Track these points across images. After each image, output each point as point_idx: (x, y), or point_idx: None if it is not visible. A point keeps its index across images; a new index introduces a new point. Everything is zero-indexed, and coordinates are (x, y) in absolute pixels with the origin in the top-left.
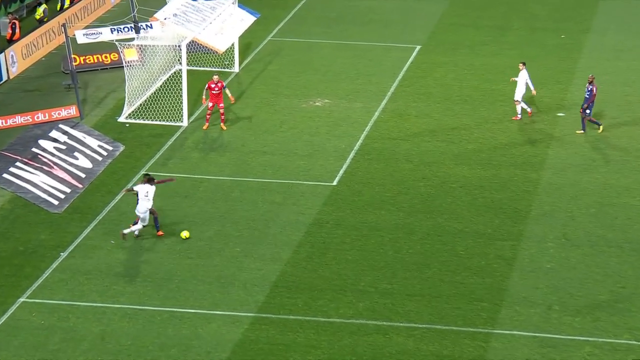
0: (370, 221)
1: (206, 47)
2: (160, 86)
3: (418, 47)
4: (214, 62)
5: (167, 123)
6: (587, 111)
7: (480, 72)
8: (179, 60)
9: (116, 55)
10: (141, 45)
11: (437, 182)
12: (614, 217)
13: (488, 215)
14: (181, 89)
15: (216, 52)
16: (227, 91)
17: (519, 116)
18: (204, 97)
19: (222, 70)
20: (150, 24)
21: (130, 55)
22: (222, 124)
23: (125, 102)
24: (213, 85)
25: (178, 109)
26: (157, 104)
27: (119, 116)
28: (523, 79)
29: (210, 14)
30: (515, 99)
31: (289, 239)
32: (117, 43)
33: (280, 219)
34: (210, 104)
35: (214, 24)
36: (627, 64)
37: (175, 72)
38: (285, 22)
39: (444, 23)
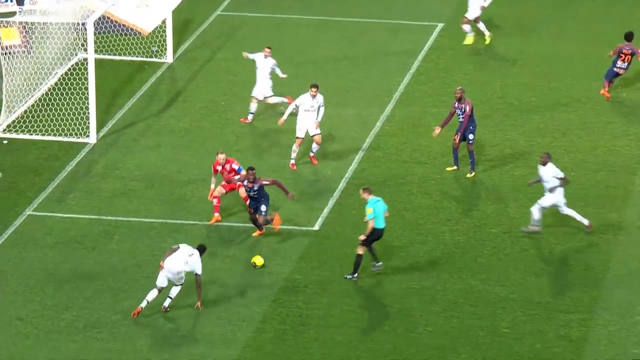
0: (368, 284)
1: (124, 26)
2: (56, 84)
3: (440, 26)
4: (136, 49)
5: (66, 139)
6: (471, 136)
7: (534, 62)
8: (83, 45)
9: None
10: (26, 23)
11: (468, 226)
12: None
13: (545, 275)
14: (87, 89)
15: (139, 33)
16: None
17: (250, 118)
18: (212, 186)
19: (149, 60)
20: None
21: (9, 37)
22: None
23: (3, 108)
24: (219, 168)
25: (82, 119)
26: (51, 110)
27: None
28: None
29: None
30: (253, 94)
31: (250, 310)
32: None
33: (235, 281)
34: (224, 190)
35: None
36: None
37: (77, 64)
38: None
39: None
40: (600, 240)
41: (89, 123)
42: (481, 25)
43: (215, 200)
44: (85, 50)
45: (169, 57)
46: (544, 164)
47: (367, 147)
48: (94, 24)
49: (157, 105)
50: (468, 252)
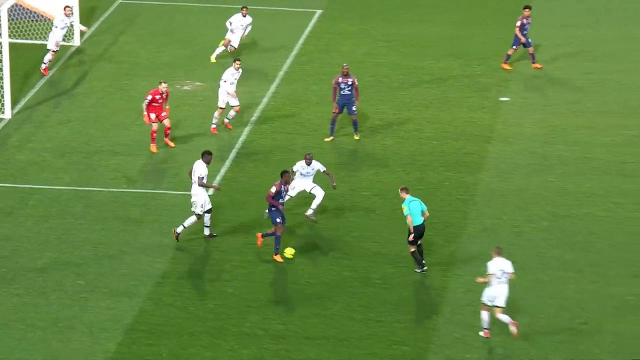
0: (256, 243)
1: (35, 12)
2: None
3: (318, 12)
4: (46, 34)
5: None
6: (354, 108)
7: (401, 44)
8: None
9: None
10: None
11: (345, 190)
12: (573, 233)
13: None
14: (1, 69)
15: (49, 19)
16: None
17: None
18: (145, 113)
19: (61, 43)
20: None
21: None
22: (166, 139)
23: None
24: (158, 97)
25: None
26: None
27: None
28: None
29: None
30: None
31: (150, 267)
32: None
33: (137, 242)
34: (153, 116)
35: None
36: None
37: None
38: None
39: None
40: (459, 201)
41: (4, 100)
42: (220, 50)
43: (154, 133)
44: (0, 34)
45: (76, 41)
46: (309, 163)
47: (255, 121)
48: (8, 11)
49: (67, 84)
50: (344, 212)
